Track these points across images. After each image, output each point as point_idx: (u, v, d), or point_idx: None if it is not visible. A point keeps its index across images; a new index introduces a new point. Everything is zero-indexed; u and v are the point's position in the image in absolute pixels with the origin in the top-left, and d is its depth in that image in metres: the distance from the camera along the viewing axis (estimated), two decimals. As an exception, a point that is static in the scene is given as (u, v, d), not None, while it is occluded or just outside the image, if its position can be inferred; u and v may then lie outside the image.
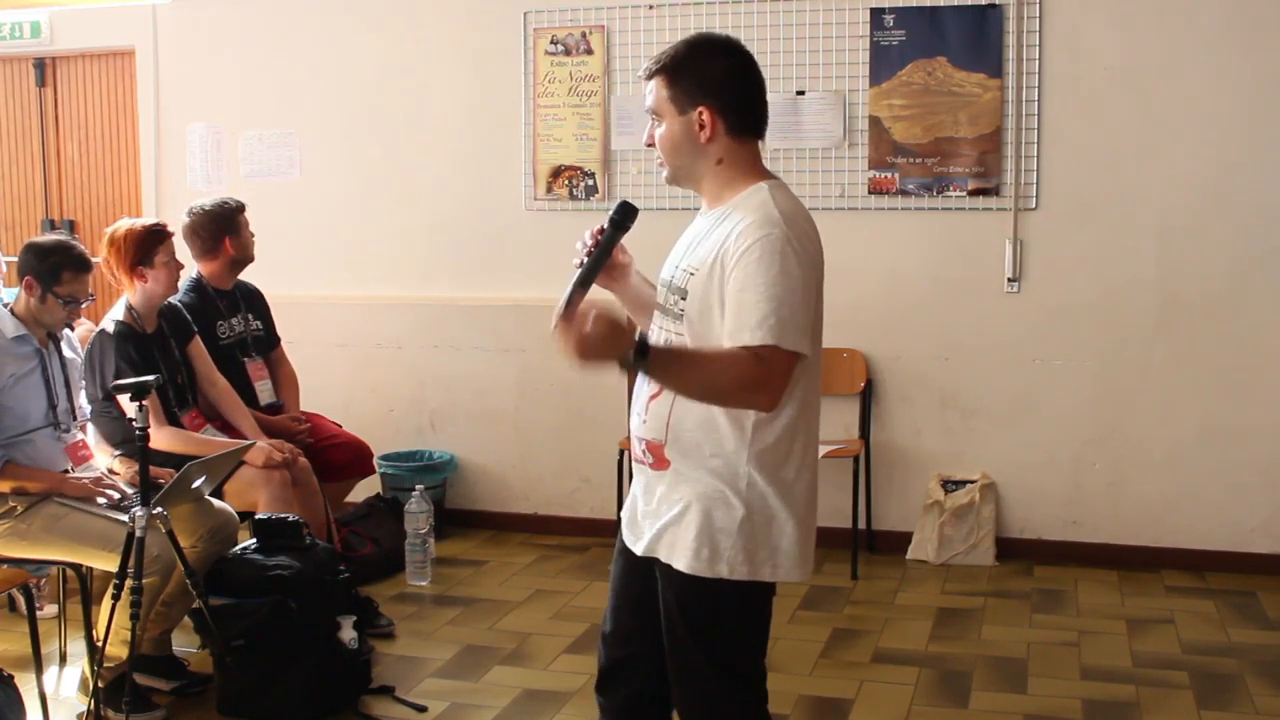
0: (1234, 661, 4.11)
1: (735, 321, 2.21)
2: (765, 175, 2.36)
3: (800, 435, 2.32)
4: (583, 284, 2.30)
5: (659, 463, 2.37)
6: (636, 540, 2.46)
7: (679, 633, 2.37)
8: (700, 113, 2.31)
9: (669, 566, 2.35)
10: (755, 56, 2.39)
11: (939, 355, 5.29)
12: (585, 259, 2.37)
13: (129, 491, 3.74)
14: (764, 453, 2.29)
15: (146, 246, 4.11)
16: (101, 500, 3.68)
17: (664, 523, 2.37)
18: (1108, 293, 5.10)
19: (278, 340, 4.93)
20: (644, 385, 2.39)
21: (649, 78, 2.36)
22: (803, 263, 2.22)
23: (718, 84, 2.31)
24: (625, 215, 2.37)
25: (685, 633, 2.37)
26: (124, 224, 4.19)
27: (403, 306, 5.83)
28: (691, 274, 2.31)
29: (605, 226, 2.38)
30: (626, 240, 2.46)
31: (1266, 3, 4.89)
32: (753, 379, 2.18)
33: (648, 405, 2.38)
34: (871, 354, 5.34)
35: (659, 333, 2.39)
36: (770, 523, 2.31)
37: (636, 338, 2.15)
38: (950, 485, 5.24)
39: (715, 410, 2.28)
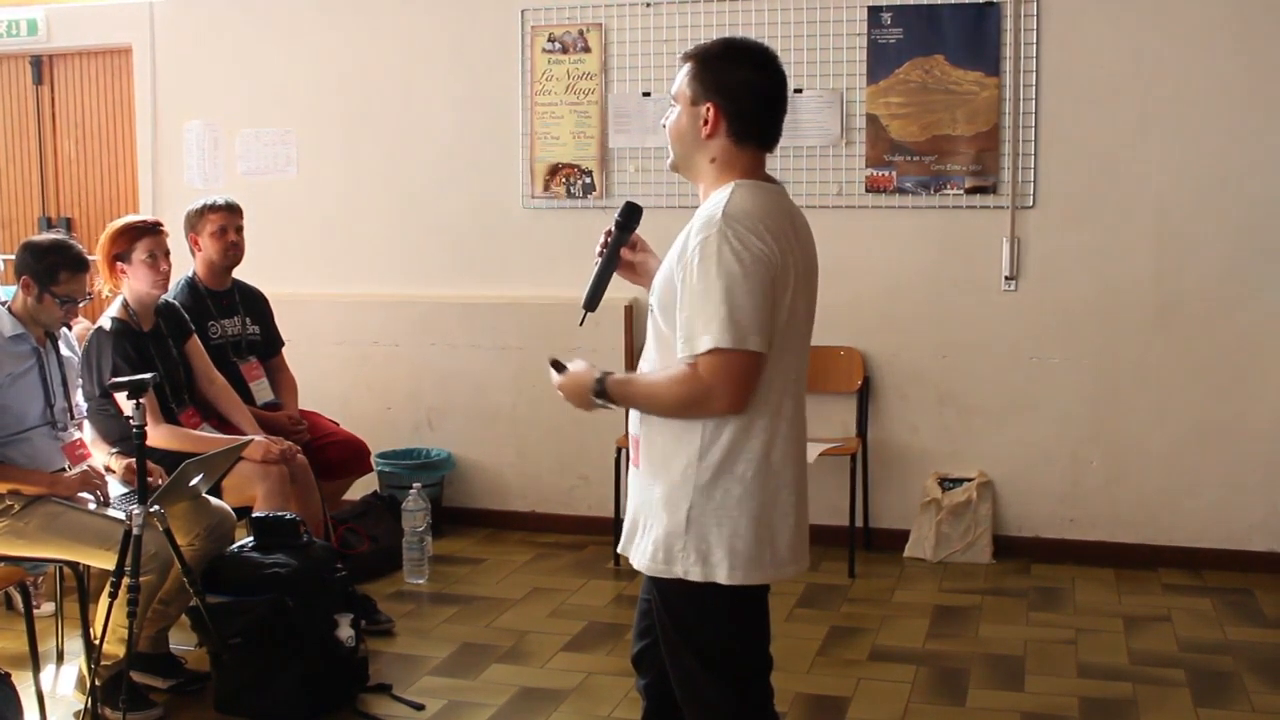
0: (1231, 659, 4.12)
1: (682, 333, 2.26)
2: (750, 177, 2.37)
3: (757, 434, 2.31)
4: (598, 282, 2.48)
5: (636, 458, 2.44)
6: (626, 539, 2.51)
7: (666, 630, 2.41)
8: (707, 109, 2.35)
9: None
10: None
11: (936, 353, 5.29)
12: (598, 259, 2.52)
13: (114, 495, 3.74)
14: (712, 450, 2.31)
15: (124, 242, 4.10)
16: (86, 496, 3.67)
17: (633, 521, 2.45)
18: (1105, 291, 5.10)
19: (279, 347, 4.92)
20: None
21: (683, 62, 2.41)
22: (744, 258, 2.21)
23: (733, 89, 2.34)
24: (629, 216, 2.52)
25: (671, 630, 2.40)
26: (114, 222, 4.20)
27: (400, 304, 5.82)
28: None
29: (612, 229, 2.52)
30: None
31: (1264, 2, 4.89)
32: (696, 395, 2.25)
33: None
34: (869, 352, 5.35)
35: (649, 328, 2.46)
36: (721, 523, 2.31)
37: (596, 376, 2.36)
38: (947, 483, 5.24)
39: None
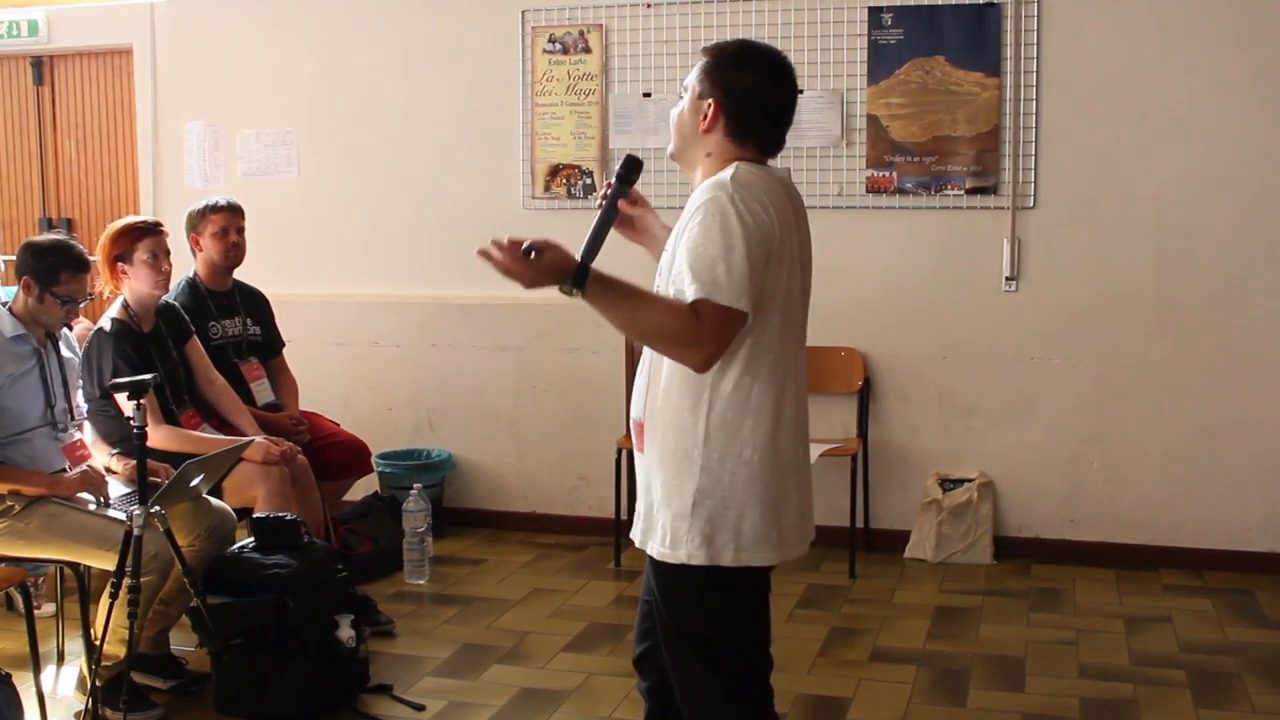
0: (1231, 660, 4.12)
1: (674, 285, 2.27)
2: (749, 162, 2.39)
3: (762, 417, 2.32)
4: (596, 235, 2.42)
5: (640, 442, 2.43)
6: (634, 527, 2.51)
7: (665, 622, 2.41)
8: (708, 104, 2.38)
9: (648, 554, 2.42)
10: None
11: (937, 354, 5.29)
12: (598, 211, 2.50)
13: (114, 495, 3.75)
14: (719, 429, 2.31)
15: (125, 243, 4.10)
16: (86, 497, 3.68)
17: (642, 507, 2.44)
18: (1105, 291, 5.10)
19: (280, 347, 4.92)
20: (641, 368, 2.45)
21: (700, 56, 2.45)
22: (747, 223, 2.24)
23: (738, 89, 2.37)
24: (629, 169, 2.51)
25: (669, 622, 2.39)
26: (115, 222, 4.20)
27: (400, 305, 5.83)
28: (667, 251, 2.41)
29: (612, 182, 2.51)
30: None
31: (1263, 2, 4.89)
32: (682, 331, 2.22)
33: (637, 384, 2.46)
34: (869, 352, 5.35)
35: None
36: (727, 505, 2.31)
37: (579, 260, 2.26)
38: (948, 484, 5.24)
39: (675, 386, 2.32)
